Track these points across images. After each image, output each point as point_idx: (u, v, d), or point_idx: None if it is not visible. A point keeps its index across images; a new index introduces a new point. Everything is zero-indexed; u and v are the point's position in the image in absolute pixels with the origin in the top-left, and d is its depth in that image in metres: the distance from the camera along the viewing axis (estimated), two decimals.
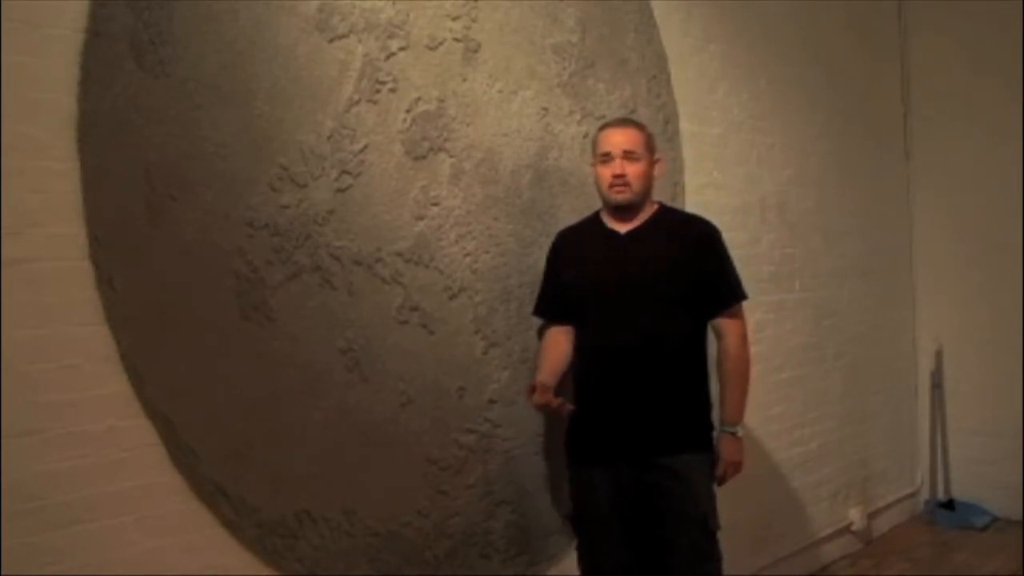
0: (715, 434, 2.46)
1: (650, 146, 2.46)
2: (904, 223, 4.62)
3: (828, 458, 3.94)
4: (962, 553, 3.97)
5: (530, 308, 2.64)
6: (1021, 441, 4.24)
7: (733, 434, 2.45)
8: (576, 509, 2.48)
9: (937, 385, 4.57)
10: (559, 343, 2.52)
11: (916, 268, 4.65)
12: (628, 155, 2.39)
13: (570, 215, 2.74)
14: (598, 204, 2.57)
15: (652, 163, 2.46)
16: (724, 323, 2.48)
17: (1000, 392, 4.35)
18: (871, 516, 4.19)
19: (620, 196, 2.41)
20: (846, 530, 4.03)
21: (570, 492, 2.51)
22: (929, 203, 4.59)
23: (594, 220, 2.54)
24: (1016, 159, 4.27)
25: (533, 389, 2.37)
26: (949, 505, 4.46)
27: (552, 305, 2.55)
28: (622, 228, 2.46)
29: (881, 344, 4.39)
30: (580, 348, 2.49)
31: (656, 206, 2.51)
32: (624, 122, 2.51)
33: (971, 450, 4.47)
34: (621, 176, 2.39)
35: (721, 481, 2.45)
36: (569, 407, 2.39)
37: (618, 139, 2.41)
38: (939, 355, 4.56)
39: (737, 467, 2.45)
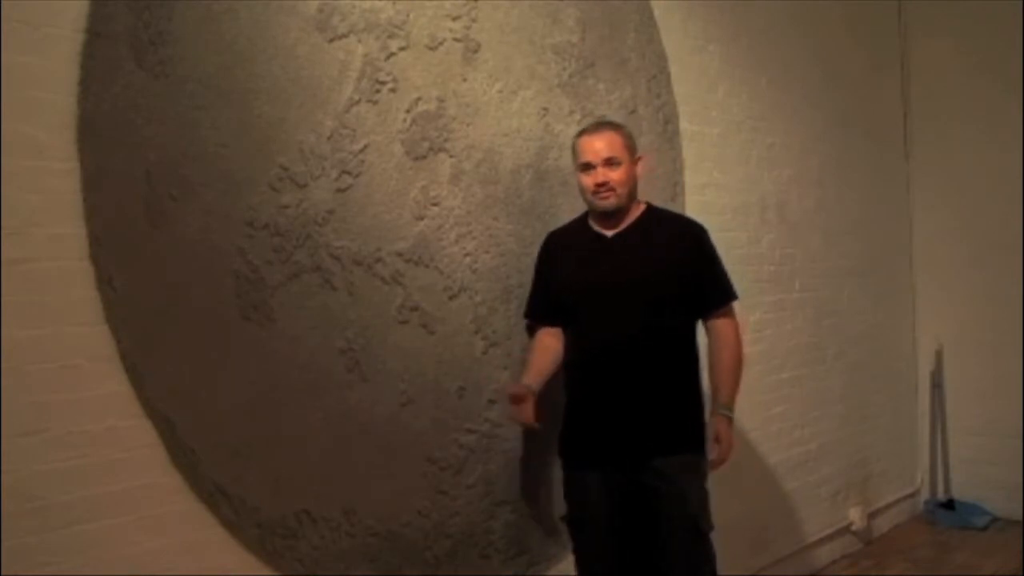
0: (708, 419, 2.43)
1: (630, 146, 2.43)
2: (904, 223, 4.63)
3: (828, 458, 3.94)
4: (962, 553, 3.98)
5: None
6: (1021, 441, 4.25)
7: (728, 417, 2.41)
8: (571, 511, 2.48)
9: (937, 385, 4.58)
10: (548, 346, 2.51)
11: (916, 268, 4.65)
12: (608, 162, 2.37)
13: (570, 215, 2.74)
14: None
15: (634, 164, 2.43)
16: (717, 323, 2.47)
17: (1000, 392, 4.36)
18: (871, 516, 4.19)
19: (605, 203, 2.39)
20: (846, 530, 4.03)
21: (565, 494, 2.50)
22: (929, 203, 4.60)
23: (582, 222, 2.53)
24: (1016, 159, 4.27)
25: (515, 398, 2.34)
26: (949, 505, 4.46)
27: (542, 307, 2.54)
28: (609, 231, 2.45)
29: (881, 344, 4.39)
30: (570, 351, 2.48)
31: (643, 207, 2.49)
32: (601, 127, 2.46)
33: (971, 450, 4.47)
34: (604, 184, 2.37)
35: (720, 463, 2.39)
36: (536, 425, 2.38)
37: (597, 146, 2.38)
38: (939, 355, 4.57)
39: (729, 444, 2.39)
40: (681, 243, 2.45)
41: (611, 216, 2.43)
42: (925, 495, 4.60)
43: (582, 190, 2.45)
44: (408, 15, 2.37)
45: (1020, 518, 4.26)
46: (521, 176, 2.65)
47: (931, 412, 4.59)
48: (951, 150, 4.50)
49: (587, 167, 2.40)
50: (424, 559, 2.39)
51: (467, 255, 2.50)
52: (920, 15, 4.57)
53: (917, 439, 4.63)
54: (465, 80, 2.51)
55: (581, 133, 2.47)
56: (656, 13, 3.10)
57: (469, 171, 2.51)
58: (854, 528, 4.04)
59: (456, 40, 2.49)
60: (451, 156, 2.47)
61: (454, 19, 2.48)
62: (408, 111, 2.37)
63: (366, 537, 2.27)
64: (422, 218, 2.40)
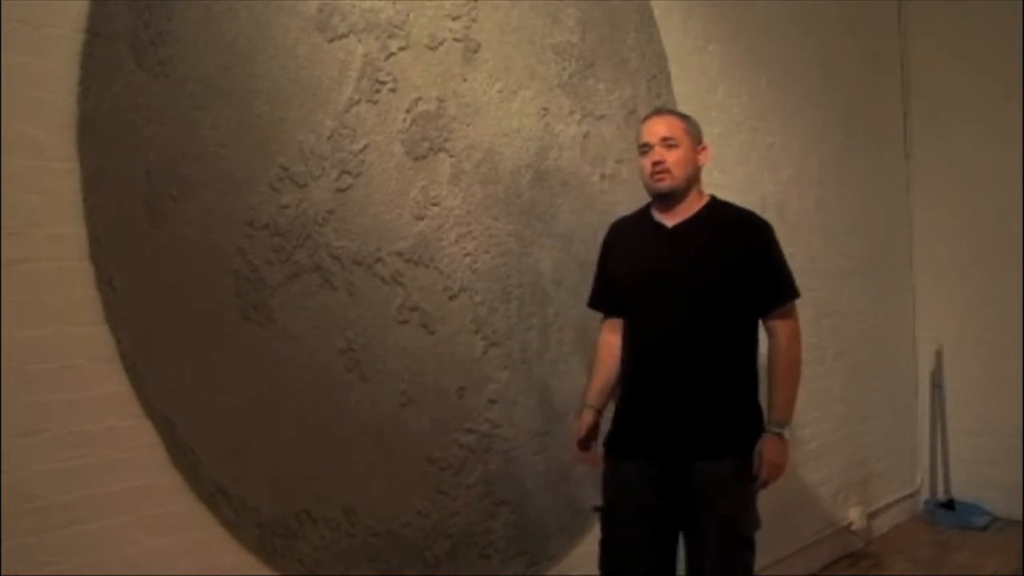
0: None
1: (691, 133, 2.39)
2: (904, 223, 4.63)
3: (828, 458, 3.94)
4: (962, 553, 3.98)
5: (530, 308, 2.64)
6: (1021, 441, 4.25)
7: (779, 435, 2.34)
8: (607, 501, 2.42)
9: (937, 385, 4.58)
10: (612, 346, 2.48)
11: (916, 268, 4.65)
12: (665, 142, 2.34)
13: (570, 215, 2.75)
14: (598, 204, 2.57)
15: (696, 150, 2.39)
16: (775, 322, 2.40)
17: (1000, 392, 4.36)
18: (871, 516, 4.19)
19: (661, 183, 2.35)
20: (846, 530, 4.03)
21: (603, 485, 2.46)
22: (929, 203, 4.60)
23: (645, 212, 2.48)
24: (1016, 159, 4.27)
25: (582, 444, 2.46)
26: (949, 505, 4.46)
27: (604, 298, 2.52)
28: (670, 221, 2.39)
29: (881, 344, 4.39)
30: (626, 343, 2.45)
31: (707, 199, 2.43)
32: (662, 111, 2.49)
33: (971, 450, 4.48)
34: (660, 163, 2.34)
35: (762, 484, 2.32)
36: (599, 464, 2.46)
37: (655, 128, 2.37)
38: (939, 355, 4.57)
39: (779, 469, 2.33)
40: (742, 237, 2.39)
41: (670, 202, 2.38)
42: (925, 495, 4.60)
43: (641, 175, 2.41)
44: (408, 15, 2.37)
45: (1020, 518, 4.26)
46: (521, 176, 2.65)
47: (931, 412, 4.60)
48: (951, 150, 4.51)
49: (645, 148, 2.37)
50: (424, 559, 2.39)
51: (467, 255, 2.50)
52: (920, 15, 4.57)
53: (917, 439, 4.63)
54: (465, 80, 2.51)
55: (644, 119, 2.47)
56: (656, 13, 3.10)
57: (469, 171, 2.51)
58: (854, 528, 4.04)
59: (456, 40, 2.49)
60: (451, 156, 2.47)
61: (454, 19, 2.48)
62: (408, 111, 2.37)
63: (366, 537, 2.27)
64: (422, 218, 2.40)
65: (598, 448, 2.46)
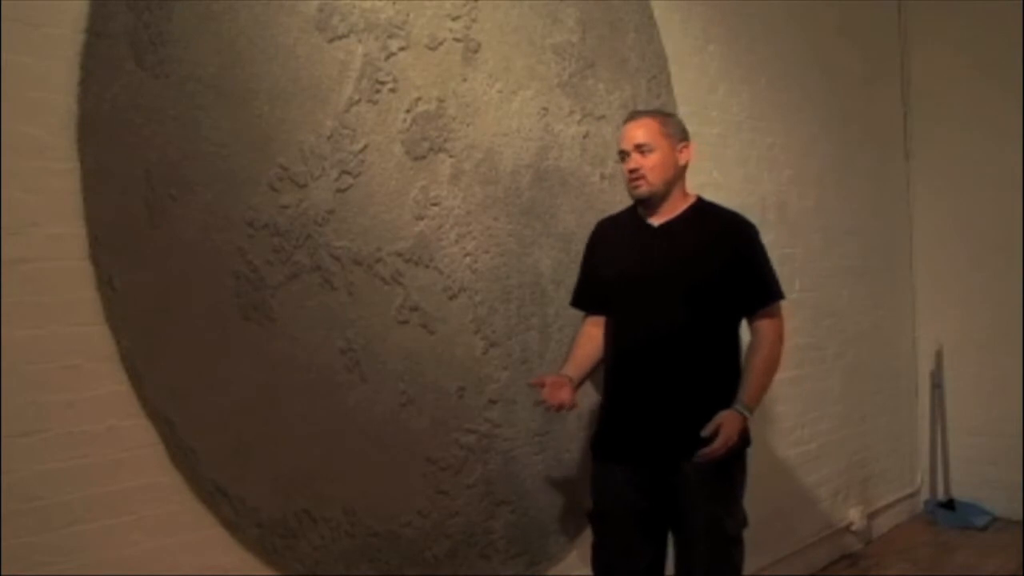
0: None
1: (669, 133, 2.39)
2: (904, 223, 4.63)
3: (828, 458, 3.94)
4: (962, 553, 3.98)
5: (530, 308, 2.64)
6: (1021, 441, 4.25)
7: (741, 414, 2.30)
8: (597, 505, 2.44)
9: (937, 385, 4.58)
10: (592, 336, 2.50)
11: (916, 268, 4.65)
12: (640, 148, 2.35)
13: (570, 215, 2.74)
14: (598, 204, 2.56)
15: (675, 150, 2.39)
16: (760, 323, 2.41)
17: (1000, 392, 4.36)
18: (871, 516, 4.19)
19: (638, 190, 2.37)
20: (846, 530, 4.03)
21: (591, 488, 2.47)
22: (929, 203, 4.60)
23: (632, 211, 2.50)
24: (1016, 159, 4.27)
25: (542, 384, 2.33)
26: (949, 505, 4.46)
27: (587, 296, 2.54)
28: (656, 221, 2.41)
29: (881, 344, 4.39)
30: (609, 343, 2.45)
31: (693, 199, 2.45)
32: (639, 114, 2.46)
33: (971, 450, 4.48)
34: (635, 171, 2.36)
35: (709, 452, 2.22)
36: (573, 405, 2.34)
37: (630, 134, 2.38)
38: (939, 355, 4.57)
39: (729, 441, 2.24)
40: (727, 238, 2.40)
41: (652, 205, 2.40)
42: (925, 495, 4.60)
43: (624, 179, 2.44)
44: (408, 15, 2.37)
45: (1020, 518, 4.26)
46: (521, 176, 2.65)
47: (931, 412, 4.59)
48: (951, 150, 4.50)
49: (623, 155, 2.40)
50: (424, 559, 2.39)
51: (467, 255, 2.50)
52: (920, 15, 4.57)
53: (917, 439, 4.63)
54: (465, 80, 2.51)
55: (624, 122, 2.47)
56: (656, 13, 3.10)
57: (469, 171, 2.51)
58: (854, 528, 4.04)
59: (456, 40, 2.49)
60: (451, 156, 2.47)
61: (454, 19, 2.48)
62: (408, 111, 2.37)
63: (366, 537, 2.27)
64: (422, 218, 2.40)
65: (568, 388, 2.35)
